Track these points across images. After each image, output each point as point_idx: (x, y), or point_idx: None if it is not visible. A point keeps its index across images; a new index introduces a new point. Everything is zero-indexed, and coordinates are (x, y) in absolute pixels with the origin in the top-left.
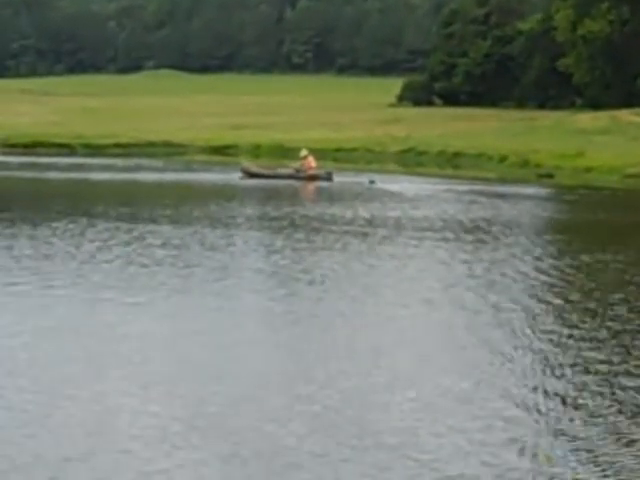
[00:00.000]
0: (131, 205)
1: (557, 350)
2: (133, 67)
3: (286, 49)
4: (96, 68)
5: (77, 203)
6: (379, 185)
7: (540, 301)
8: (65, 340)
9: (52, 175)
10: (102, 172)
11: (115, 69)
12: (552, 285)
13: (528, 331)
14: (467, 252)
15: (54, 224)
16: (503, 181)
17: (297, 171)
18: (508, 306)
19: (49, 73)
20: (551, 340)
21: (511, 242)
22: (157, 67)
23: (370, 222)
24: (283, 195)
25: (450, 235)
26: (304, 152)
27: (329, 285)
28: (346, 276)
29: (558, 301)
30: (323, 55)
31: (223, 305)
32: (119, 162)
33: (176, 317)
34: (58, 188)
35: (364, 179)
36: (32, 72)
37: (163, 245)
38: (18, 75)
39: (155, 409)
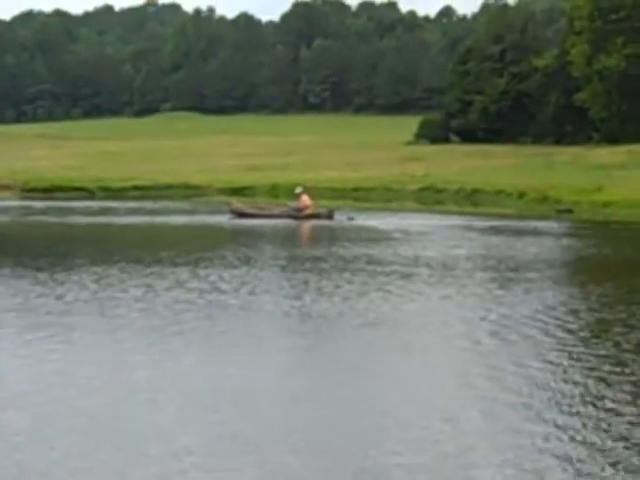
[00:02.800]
0: (169, 249)
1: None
2: (149, 110)
3: (303, 89)
4: (112, 112)
5: (114, 248)
6: (364, 222)
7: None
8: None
9: (81, 220)
10: (129, 216)
11: (131, 112)
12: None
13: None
14: (517, 293)
15: (94, 269)
16: (522, 217)
17: (297, 210)
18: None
19: (66, 117)
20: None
21: (544, 278)
22: (173, 109)
23: (394, 262)
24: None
25: (488, 275)
26: (299, 189)
27: (389, 328)
28: (401, 318)
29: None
30: (340, 94)
31: (286, 349)
32: (146, 205)
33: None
34: (89, 233)
35: (343, 217)
36: (49, 116)
37: (213, 289)
38: (35, 119)
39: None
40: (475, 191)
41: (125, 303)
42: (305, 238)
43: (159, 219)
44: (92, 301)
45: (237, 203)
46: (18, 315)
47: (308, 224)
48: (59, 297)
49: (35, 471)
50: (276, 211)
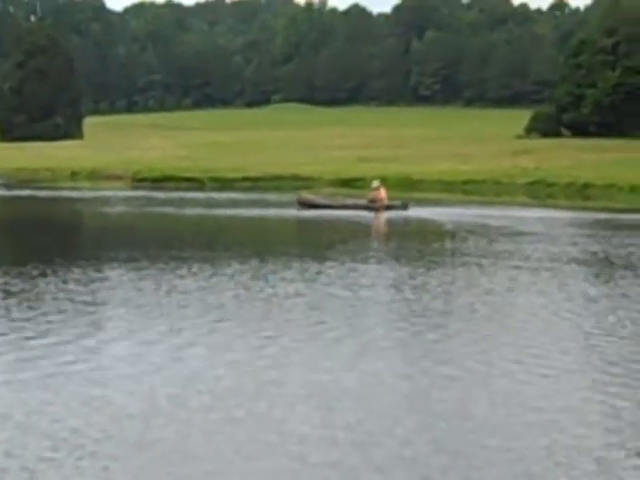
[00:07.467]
0: (308, 242)
1: None
2: (260, 101)
3: (413, 81)
4: (223, 102)
5: (251, 242)
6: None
7: None
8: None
9: (205, 212)
10: (249, 208)
11: (242, 103)
12: None
13: None
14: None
15: (234, 265)
16: (635, 212)
17: (370, 201)
18: None
19: (176, 107)
20: None
21: None
22: (284, 100)
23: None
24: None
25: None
26: (375, 183)
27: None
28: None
29: None
30: (450, 87)
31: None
32: (271, 197)
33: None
34: (218, 225)
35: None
36: (160, 106)
37: (366, 285)
38: (146, 110)
39: None
40: (586, 185)
41: (288, 299)
42: (382, 231)
43: (286, 212)
44: (249, 295)
45: (306, 194)
46: (187, 309)
47: (383, 216)
48: (219, 290)
49: None
50: (348, 202)
